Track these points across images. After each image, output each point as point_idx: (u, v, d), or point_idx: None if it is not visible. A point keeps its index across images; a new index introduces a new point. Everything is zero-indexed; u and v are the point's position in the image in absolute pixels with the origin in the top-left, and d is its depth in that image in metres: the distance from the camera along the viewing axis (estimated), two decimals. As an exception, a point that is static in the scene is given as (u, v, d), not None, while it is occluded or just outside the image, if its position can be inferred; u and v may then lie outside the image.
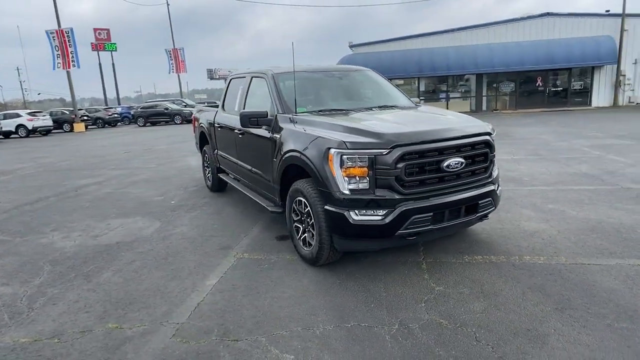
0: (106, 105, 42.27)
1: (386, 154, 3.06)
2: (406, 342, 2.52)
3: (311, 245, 3.58)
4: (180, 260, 3.97)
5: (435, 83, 25.61)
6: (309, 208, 3.50)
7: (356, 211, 3.12)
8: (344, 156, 3.11)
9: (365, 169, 3.09)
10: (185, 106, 32.48)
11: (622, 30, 21.71)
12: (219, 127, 5.75)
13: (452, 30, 24.96)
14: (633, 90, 23.08)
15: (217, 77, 74.19)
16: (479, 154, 3.45)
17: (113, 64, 44.75)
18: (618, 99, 23.03)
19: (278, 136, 3.92)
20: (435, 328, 2.65)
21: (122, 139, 18.96)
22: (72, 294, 3.38)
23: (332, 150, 3.15)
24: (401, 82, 25.30)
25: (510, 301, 2.94)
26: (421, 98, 23.11)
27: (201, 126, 6.71)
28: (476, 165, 3.44)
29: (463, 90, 25.45)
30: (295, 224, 3.82)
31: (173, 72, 45.75)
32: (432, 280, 3.30)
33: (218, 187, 6.63)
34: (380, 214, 3.11)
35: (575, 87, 23.90)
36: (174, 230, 4.88)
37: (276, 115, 4.07)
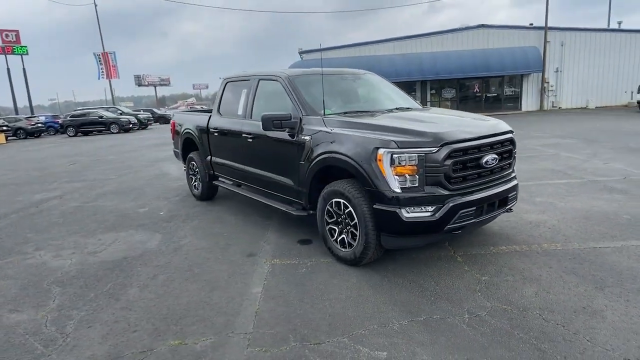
0: (16, 114, 38.13)
1: (435, 152, 3.18)
2: (484, 329, 2.63)
3: (352, 245, 3.59)
4: (209, 270, 3.79)
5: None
6: (350, 209, 3.51)
7: (407, 209, 3.19)
8: (394, 155, 3.17)
9: (415, 167, 3.18)
10: (121, 114, 30.68)
11: (545, 41, 24.09)
12: (216, 132, 5.55)
13: (398, 39, 26.12)
14: (556, 95, 25.64)
15: (146, 83, 70.81)
16: (507, 150, 3.69)
17: (24, 69, 40.53)
18: (544, 104, 25.44)
19: (307, 138, 3.89)
20: (503, 314, 2.79)
21: (58, 150, 17.45)
22: (105, 314, 3.09)
23: (382, 150, 3.20)
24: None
25: (554, 284, 3.17)
26: (428, 101, 23.86)
27: (187, 132, 6.43)
28: (504, 161, 3.68)
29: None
30: (330, 226, 3.81)
31: (103, 77, 43.00)
32: (474, 272, 3.46)
33: (208, 195, 6.39)
34: (429, 210, 3.21)
35: (507, 93, 26.05)
36: (181, 242, 4.63)
37: (301, 117, 4.04)
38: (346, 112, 4.13)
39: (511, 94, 26.08)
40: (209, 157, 5.92)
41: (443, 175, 3.21)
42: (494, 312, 2.81)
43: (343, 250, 3.70)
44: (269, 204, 4.73)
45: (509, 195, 3.69)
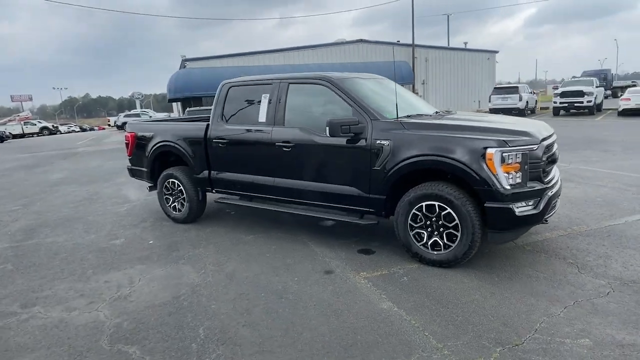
0: None
1: (536, 148, 3.43)
2: (628, 302, 2.95)
3: (448, 247, 3.61)
4: (304, 295, 3.38)
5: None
6: (448, 210, 3.53)
7: (517, 204, 3.37)
8: (504, 154, 3.32)
9: (518, 164, 3.37)
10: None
11: (413, 57, 27.34)
12: (222, 143, 4.92)
13: (286, 50, 26.57)
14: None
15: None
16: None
17: None
18: (415, 111, 28.78)
19: (385, 143, 3.77)
20: (624, 288, 3.16)
21: None
22: (244, 363, 2.52)
23: (492, 150, 3.32)
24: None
25: (625, 259, 3.69)
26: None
27: (164, 145, 5.53)
28: (556, 156, 4.14)
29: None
30: (416, 230, 3.75)
31: None
32: (554, 257, 3.81)
33: (195, 216, 5.61)
34: (530, 203, 3.45)
35: (385, 102, 28.68)
36: (226, 269, 4.00)
37: (369, 121, 3.90)
38: (409, 115, 4.13)
39: (388, 103, 28.85)
40: (205, 172, 5.21)
41: (541, 171, 3.48)
42: (617, 288, 3.16)
43: (436, 253, 3.68)
44: (315, 215, 4.42)
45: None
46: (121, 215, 6.39)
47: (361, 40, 27.92)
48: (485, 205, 3.40)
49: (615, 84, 41.20)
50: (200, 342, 2.80)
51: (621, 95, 29.16)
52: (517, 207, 3.36)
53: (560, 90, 22.17)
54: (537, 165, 3.46)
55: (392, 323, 2.87)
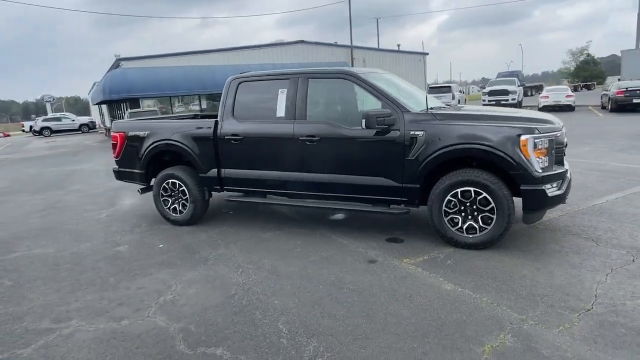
0: None
1: (559, 134, 3.80)
2: (652, 266, 3.38)
3: (484, 230, 3.86)
4: (365, 285, 3.43)
5: (212, 100, 25.83)
6: (484, 194, 3.78)
7: (547, 185, 3.71)
8: (536, 140, 3.64)
9: (546, 149, 3.72)
10: None
11: (352, 58, 28.10)
12: (236, 139, 4.77)
13: (225, 50, 25.86)
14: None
15: None
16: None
17: None
18: (356, 111, 29.62)
19: (420, 133, 3.93)
20: (641, 255, 3.62)
21: None
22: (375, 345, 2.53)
23: (526, 136, 3.62)
24: (178, 101, 24.40)
25: (628, 231, 4.19)
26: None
27: (163, 144, 5.22)
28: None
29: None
30: (451, 216, 3.96)
31: None
32: (570, 235, 4.22)
33: (199, 217, 5.36)
34: (555, 185, 3.81)
35: (328, 102, 29.16)
36: (264, 266, 3.92)
37: (401, 113, 4.04)
38: (432, 107, 4.32)
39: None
40: (214, 170, 5.01)
41: (563, 155, 3.86)
42: (638, 255, 3.61)
43: (472, 236, 3.92)
44: (343, 208, 4.48)
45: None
46: (105, 222, 5.91)
47: (301, 41, 28.06)
48: (521, 187, 3.69)
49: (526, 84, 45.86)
50: (288, 336, 2.74)
51: (536, 93, 32.32)
52: (547, 189, 3.70)
53: (488, 89, 24.17)
54: (560, 150, 3.83)
55: (466, 302, 3.03)
